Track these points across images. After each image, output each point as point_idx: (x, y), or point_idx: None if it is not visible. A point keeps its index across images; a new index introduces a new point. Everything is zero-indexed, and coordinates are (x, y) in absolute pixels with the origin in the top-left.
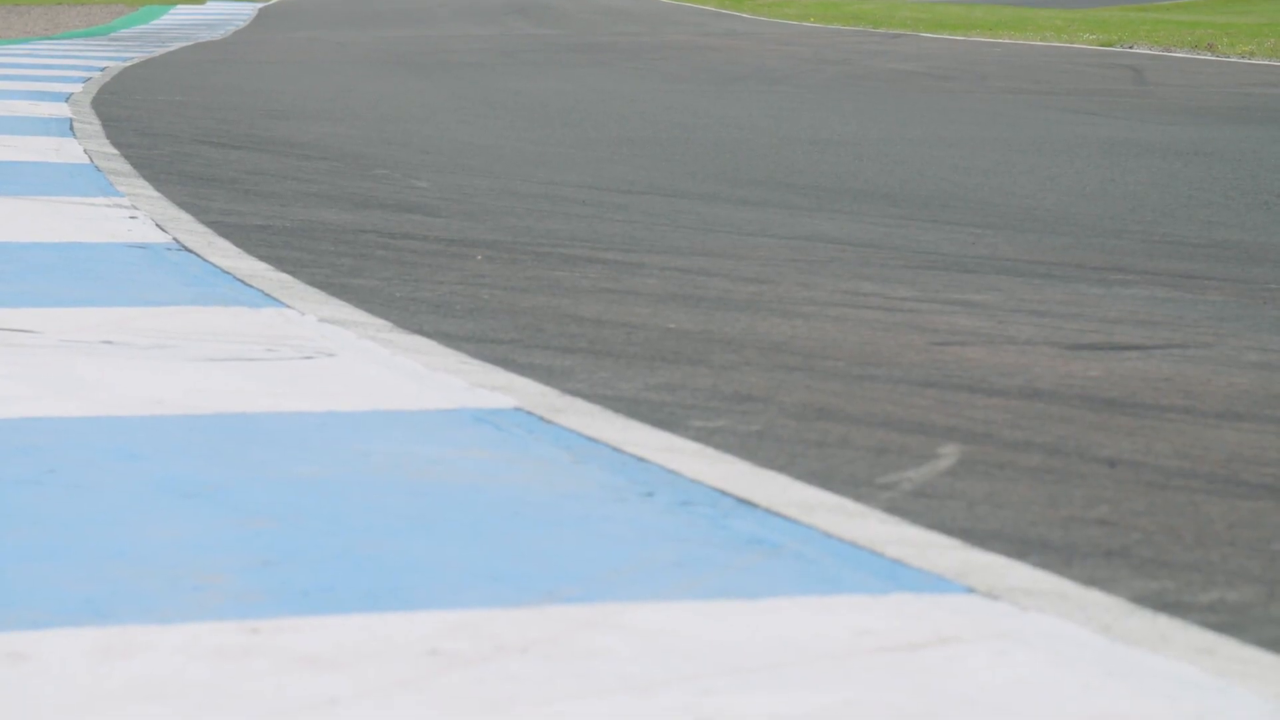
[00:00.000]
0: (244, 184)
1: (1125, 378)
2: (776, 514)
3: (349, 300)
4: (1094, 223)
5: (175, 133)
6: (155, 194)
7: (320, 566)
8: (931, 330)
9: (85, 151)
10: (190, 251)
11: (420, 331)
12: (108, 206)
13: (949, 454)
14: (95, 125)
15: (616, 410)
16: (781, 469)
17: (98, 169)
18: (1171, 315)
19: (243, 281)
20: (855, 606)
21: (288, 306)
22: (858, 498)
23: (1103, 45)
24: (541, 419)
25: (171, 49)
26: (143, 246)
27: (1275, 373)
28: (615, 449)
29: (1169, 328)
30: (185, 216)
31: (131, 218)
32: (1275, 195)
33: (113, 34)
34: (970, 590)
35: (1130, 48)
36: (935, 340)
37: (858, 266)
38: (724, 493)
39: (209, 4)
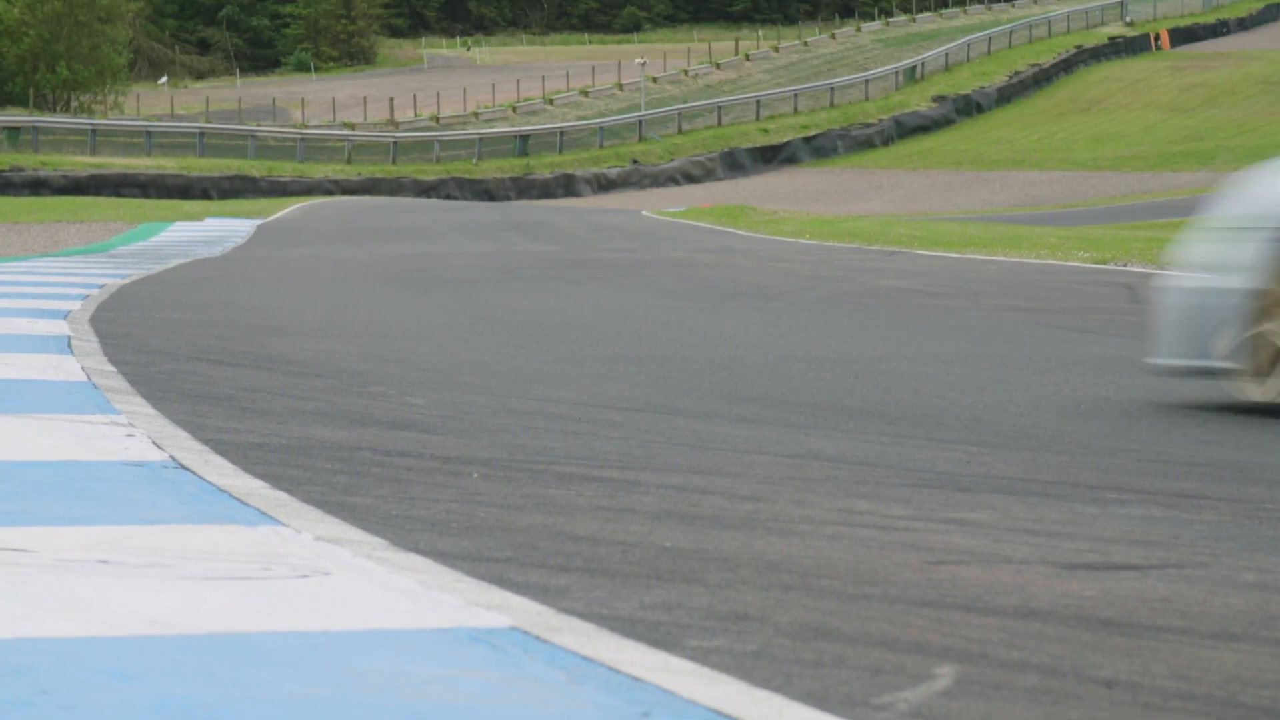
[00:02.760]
0: (240, 401)
1: (1122, 598)
2: None
3: (345, 518)
4: (1089, 441)
5: (172, 350)
6: (152, 411)
7: None
8: (927, 549)
9: (83, 369)
10: (186, 469)
11: (416, 549)
12: (105, 424)
13: (945, 674)
14: (93, 342)
15: (612, 629)
16: (777, 689)
17: (95, 386)
18: (1168, 535)
19: (239, 499)
20: None
21: (283, 524)
22: (854, 718)
23: (1096, 263)
24: (537, 638)
25: (169, 266)
26: (139, 464)
27: (1272, 593)
28: (611, 669)
29: (1165, 547)
30: (182, 434)
31: (128, 435)
32: (1270, 414)
33: (111, 251)
34: None
35: (1124, 265)
36: (931, 559)
37: (853, 485)
38: (720, 713)
39: (207, 220)
